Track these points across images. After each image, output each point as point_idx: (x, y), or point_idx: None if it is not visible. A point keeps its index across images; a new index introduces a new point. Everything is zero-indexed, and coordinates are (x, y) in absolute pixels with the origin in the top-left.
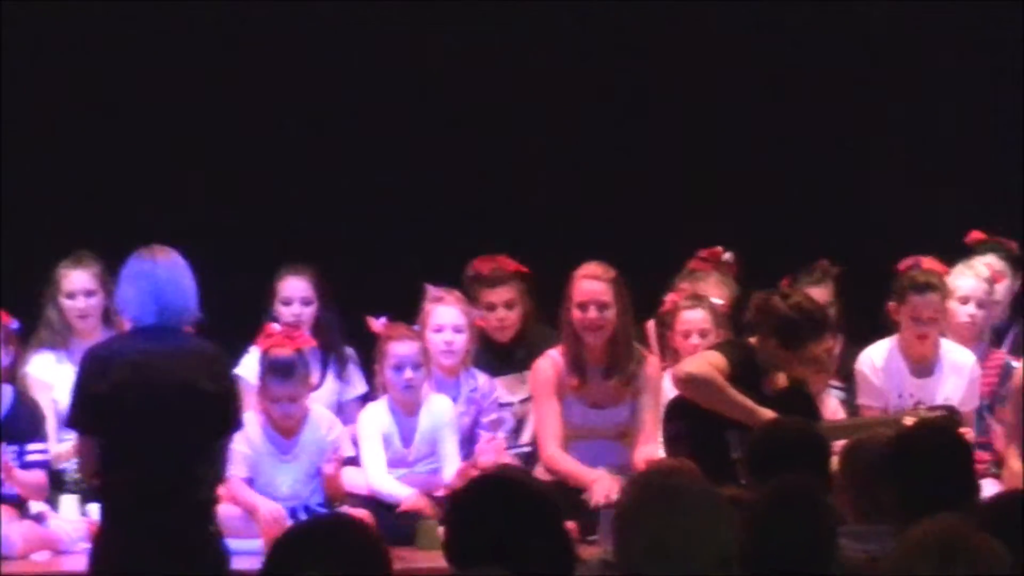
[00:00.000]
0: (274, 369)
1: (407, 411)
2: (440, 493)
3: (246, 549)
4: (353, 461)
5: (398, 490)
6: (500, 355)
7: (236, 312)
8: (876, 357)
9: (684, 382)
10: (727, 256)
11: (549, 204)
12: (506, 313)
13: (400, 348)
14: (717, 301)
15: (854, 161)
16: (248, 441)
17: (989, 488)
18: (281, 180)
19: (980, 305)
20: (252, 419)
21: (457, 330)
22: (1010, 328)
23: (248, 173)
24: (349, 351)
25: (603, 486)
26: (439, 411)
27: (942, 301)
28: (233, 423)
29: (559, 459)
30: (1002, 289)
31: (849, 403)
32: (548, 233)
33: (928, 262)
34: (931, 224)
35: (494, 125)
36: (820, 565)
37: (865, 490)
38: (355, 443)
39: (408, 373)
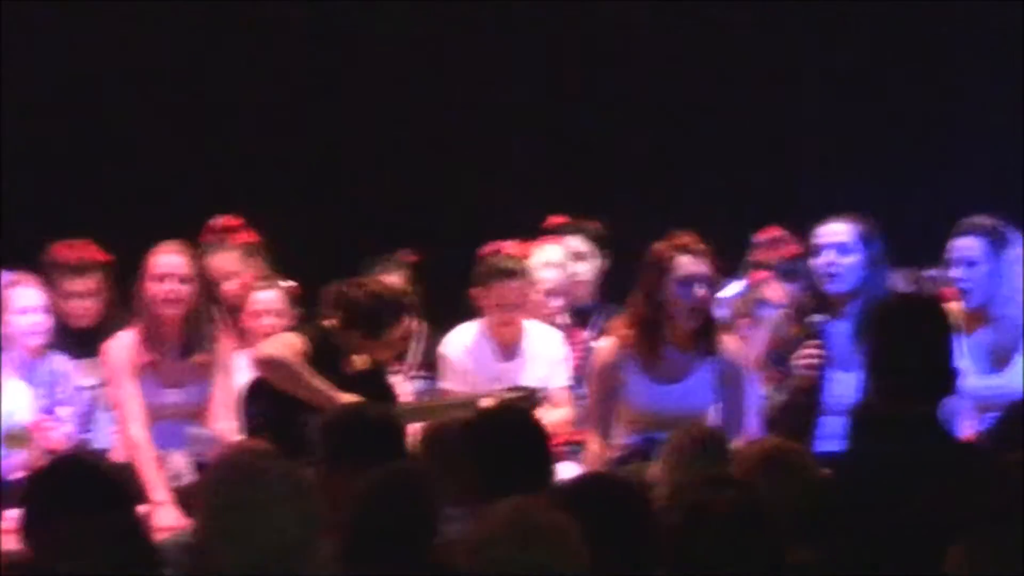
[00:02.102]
0: None
1: None
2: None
3: None
4: None
5: None
6: (79, 340)
7: None
8: (461, 341)
9: (262, 364)
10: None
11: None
12: (89, 302)
13: None
14: (288, 283)
15: (441, 149)
16: None
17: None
18: None
19: (566, 294)
20: None
21: (40, 311)
22: (594, 309)
23: None
24: None
25: (175, 466)
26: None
27: (525, 286)
28: None
29: (139, 443)
30: (586, 269)
31: (432, 391)
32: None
33: (510, 247)
34: (514, 208)
35: None
36: (420, 548)
37: (446, 472)
38: None
39: None
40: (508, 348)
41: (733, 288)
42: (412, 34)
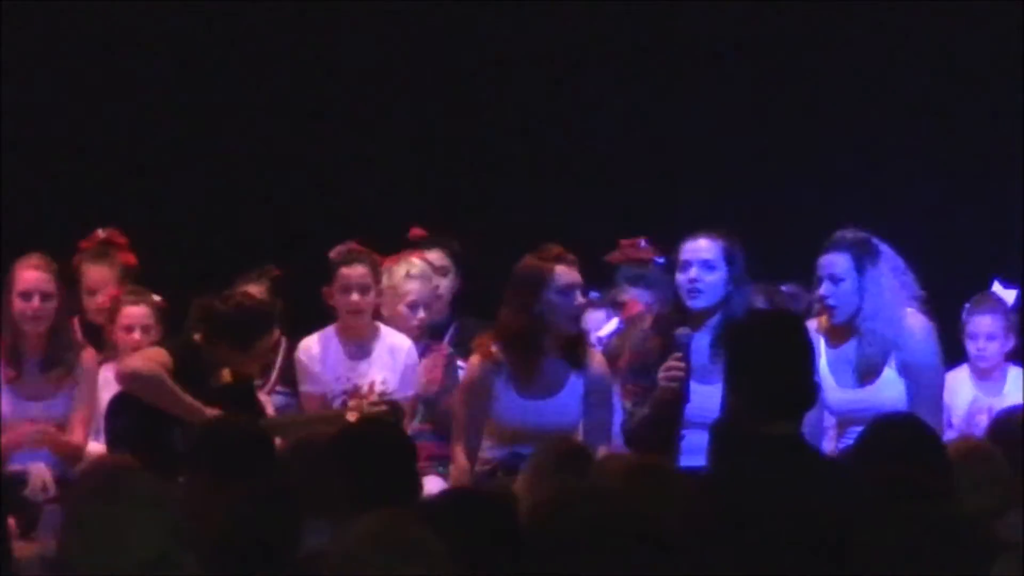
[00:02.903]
0: None
1: None
2: None
3: None
4: None
5: None
6: None
7: None
8: (313, 343)
9: (128, 378)
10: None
11: None
12: None
13: None
14: (156, 298)
15: (310, 164)
16: None
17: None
18: None
19: (427, 307)
20: None
21: None
22: (450, 324)
23: None
24: None
25: (38, 479)
26: None
27: (371, 272)
28: None
29: None
30: (445, 284)
31: (293, 408)
32: None
33: (355, 245)
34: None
35: None
36: (283, 561)
37: (312, 486)
38: None
39: None
40: (359, 347)
41: (610, 326)
42: (266, 41)
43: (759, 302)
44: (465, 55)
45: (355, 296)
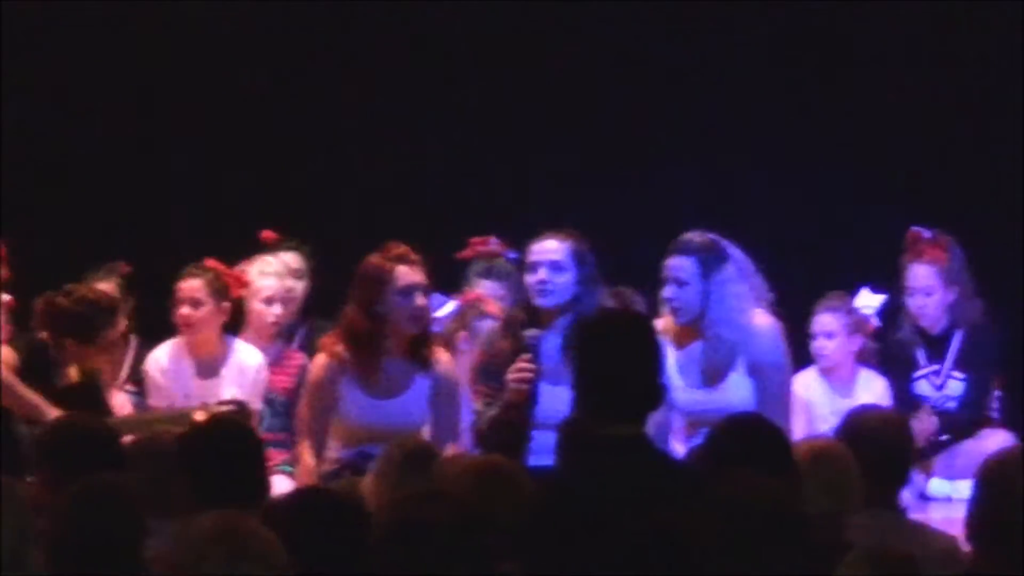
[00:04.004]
0: None
1: None
2: None
3: None
4: None
5: None
6: None
7: None
8: (162, 357)
9: None
10: None
11: None
12: None
13: None
14: (5, 297)
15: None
16: None
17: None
18: None
19: (284, 304)
20: None
21: None
22: (300, 326)
23: None
24: None
25: None
26: None
27: (206, 287)
28: None
29: None
30: (300, 287)
31: (141, 406)
32: None
33: (211, 263)
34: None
35: None
36: (125, 560)
37: (157, 485)
38: None
39: None
40: (208, 364)
41: (448, 307)
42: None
43: (608, 302)
44: (294, 59)
45: (185, 309)
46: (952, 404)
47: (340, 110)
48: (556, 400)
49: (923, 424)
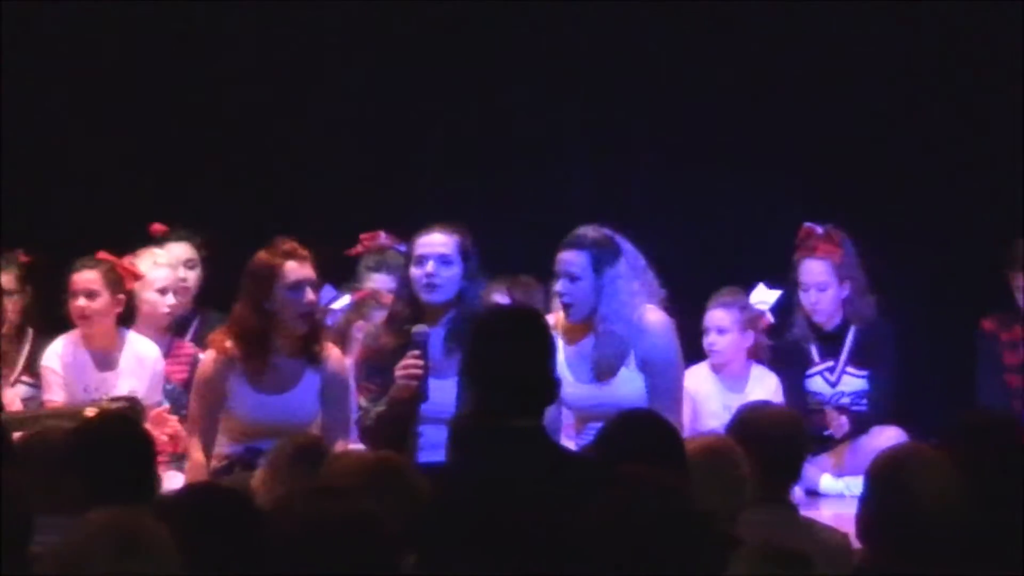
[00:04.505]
0: None
1: None
2: None
3: None
4: None
5: None
6: None
7: None
8: (59, 351)
9: None
10: None
11: None
12: None
13: None
14: None
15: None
16: None
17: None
18: None
19: (177, 294)
20: None
21: None
22: (193, 318)
23: None
24: None
25: None
26: None
27: (102, 278)
28: None
29: None
30: (193, 277)
31: (37, 399)
32: None
33: (102, 255)
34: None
35: None
36: (12, 556)
37: (47, 481)
38: None
39: None
40: (105, 357)
41: (343, 301)
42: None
43: (500, 296)
44: (170, 52)
45: (81, 301)
46: (846, 400)
47: (231, 102)
48: (443, 394)
49: (834, 424)
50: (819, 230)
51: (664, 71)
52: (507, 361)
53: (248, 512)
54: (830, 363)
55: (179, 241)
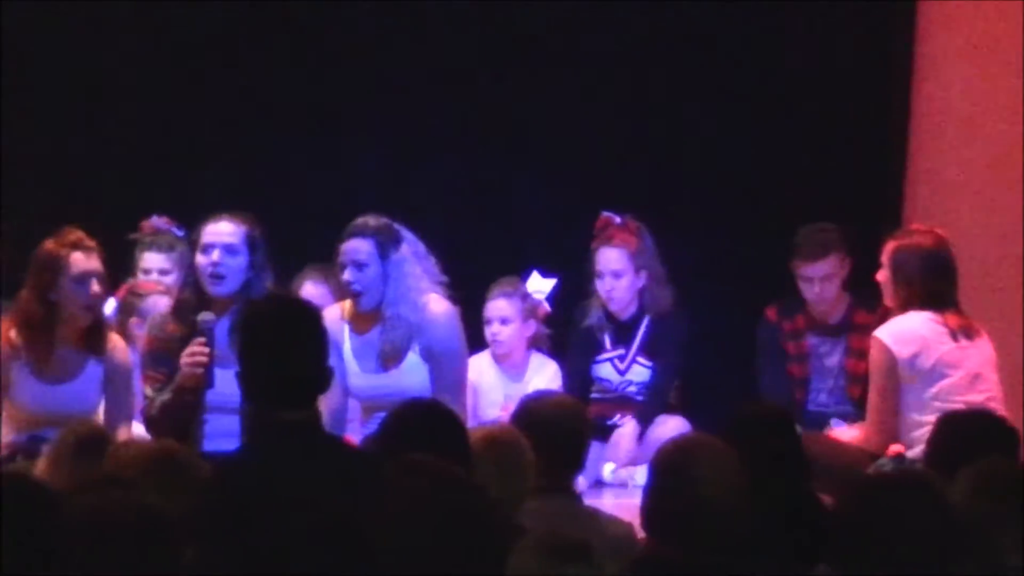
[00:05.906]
0: None
1: None
2: None
3: None
4: None
5: None
6: None
7: None
8: None
9: None
10: None
11: None
12: None
13: None
14: None
15: None
16: None
17: None
18: None
19: None
20: None
21: None
22: None
23: None
24: None
25: None
26: None
27: None
28: None
29: None
30: None
31: None
32: None
33: None
34: None
35: None
36: None
37: None
38: None
39: None
40: None
41: (108, 306)
42: None
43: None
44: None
45: None
46: (633, 389)
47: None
48: (227, 384)
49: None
50: (617, 219)
51: (451, 59)
52: (273, 353)
53: (36, 502)
54: (621, 351)
55: None
